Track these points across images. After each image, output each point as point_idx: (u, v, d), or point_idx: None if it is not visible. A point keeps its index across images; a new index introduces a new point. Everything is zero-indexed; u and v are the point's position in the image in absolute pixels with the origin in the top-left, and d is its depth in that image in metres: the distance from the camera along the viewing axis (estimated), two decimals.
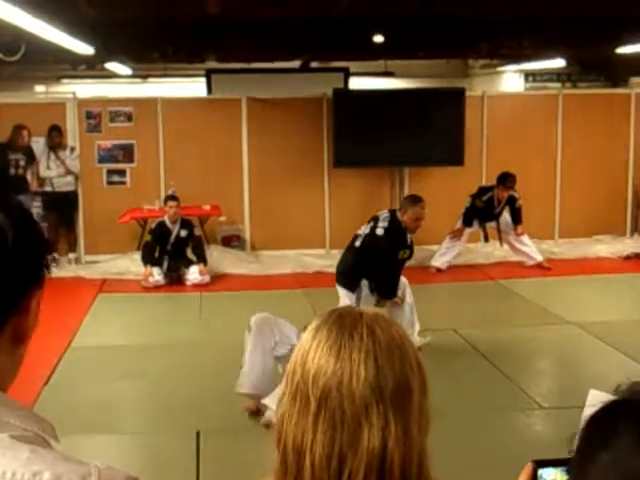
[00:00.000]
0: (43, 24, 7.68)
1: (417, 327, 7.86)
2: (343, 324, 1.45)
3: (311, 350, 1.44)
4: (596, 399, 2.11)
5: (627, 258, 11.92)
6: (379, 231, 7.51)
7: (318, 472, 1.39)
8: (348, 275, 7.63)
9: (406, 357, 1.44)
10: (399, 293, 7.72)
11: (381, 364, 1.40)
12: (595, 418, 1.16)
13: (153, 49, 11.81)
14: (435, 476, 1.50)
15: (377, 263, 7.44)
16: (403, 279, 7.85)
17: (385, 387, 1.39)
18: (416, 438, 1.42)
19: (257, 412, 6.05)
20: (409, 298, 7.85)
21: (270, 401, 5.67)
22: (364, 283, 7.51)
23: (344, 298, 7.51)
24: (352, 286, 7.54)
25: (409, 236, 7.62)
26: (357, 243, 7.62)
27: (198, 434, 5.81)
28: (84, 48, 10.03)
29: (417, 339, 7.63)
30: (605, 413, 1.15)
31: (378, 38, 10.62)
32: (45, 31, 8.11)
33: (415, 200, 7.69)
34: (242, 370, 6.13)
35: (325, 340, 1.43)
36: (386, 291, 7.61)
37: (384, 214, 7.68)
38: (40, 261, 1.31)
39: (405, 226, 7.53)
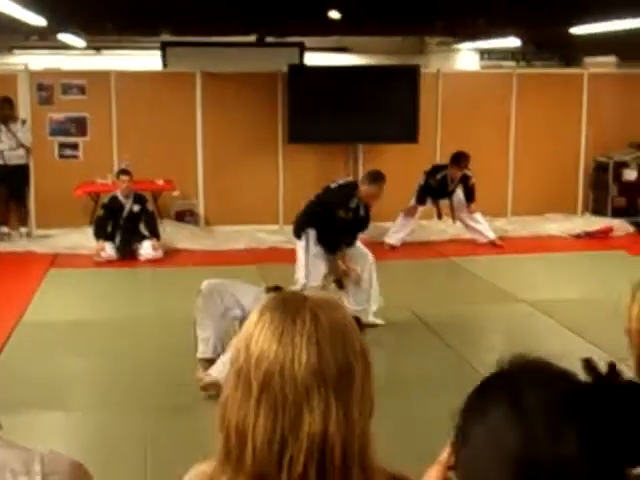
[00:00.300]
0: None
1: (374, 307, 7.94)
2: (287, 308, 1.45)
3: (254, 334, 1.44)
4: None
5: (578, 237, 12.05)
6: (332, 185, 8.05)
7: (259, 456, 1.39)
8: (296, 222, 8.01)
9: (349, 342, 1.45)
10: (357, 267, 7.85)
11: (323, 349, 1.41)
12: (473, 393, 1.16)
13: (106, 21, 11.65)
14: (378, 460, 1.52)
15: (320, 213, 7.76)
16: (368, 255, 8.06)
17: (327, 372, 1.40)
18: (358, 422, 1.43)
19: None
20: (368, 274, 7.94)
21: (213, 371, 5.72)
22: (311, 230, 7.75)
23: (298, 248, 7.86)
24: (298, 233, 7.87)
25: (361, 206, 7.79)
26: (316, 194, 8.02)
27: (146, 411, 5.81)
28: (36, 19, 9.88)
29: (371, 318, 7.74)
30: (481, 388, 1.15)
31: (334, 14, 10.57)
32: None
33: (376, 178, 7.91)
34: (198, 337, 6.18)
35: (268, 324, 1.44)
36: (327, 245, 7.77)
37: (349, 178, 8.04)
38: None
39: (359, 196, 7.74)
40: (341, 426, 1.39)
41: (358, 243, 8.10)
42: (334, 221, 7.70)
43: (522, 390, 1.07)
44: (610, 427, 1.02)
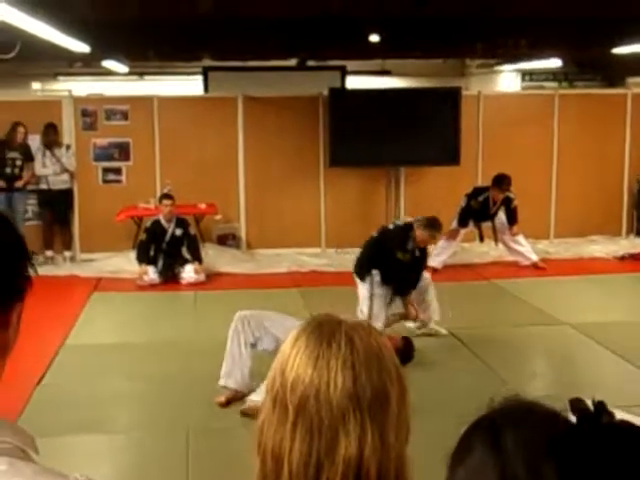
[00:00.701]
0: (38, 23, 7.67)
1: (436, 316, 8.24)
2: (322, 332, 1.45)
3: (290, 358, 1.44)
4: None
5: (622, 259, 11.91)
6: (390, 225, 8.34)
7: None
8: (359, 263, 8.07)
9: (384, 366, 1.44)
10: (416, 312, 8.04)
11: (359, 372, 1.40)
12: (463, 433, 1.15)
13: (148, 48, 11.79)
14: None
15: (383, 254, 7.82)
16: (425, 273, 8.21)
17: (362, 396, 1.39)
18: (393, 447, 1.42)
19: (227, 404, 6.24)
20: (427, 290, 8.21)
21: (256, 396, 5.75)
22: (375, 272, 7.80)
23: (360, 287, 7.93)
24: (361, 274, 7.92)
25: (414, 246, 7.86)
26: (374, 234, 8.12)
27: (188, 433, 5.83)
28: (80, 46, 10.02)
29: (434, 326, 8.23)
30: (468, 429, 1.14)
31: (374, 37, 10.61)
32: (40, 30, 8.10)
33: (432, 225, 7.92)
34: (224, 364, 6.24)
35: (304, 348, 1.44)
36: (394, 287, 7.86)
37: (407, 219, 8.54)
38: (20, 273, 1.28)
39: (413, 237, 7.82)
40: (377, 450, 1.39)
41: None
42: (393, 262, 7.76)
43: (503, 431, 1.06)
44: (591, 468, 1.00)
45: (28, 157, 11.45)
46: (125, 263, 11.15)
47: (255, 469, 1.47)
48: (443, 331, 8.21)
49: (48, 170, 11.50)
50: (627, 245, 12.39)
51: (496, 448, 1.05)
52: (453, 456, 1.13)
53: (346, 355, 1.42)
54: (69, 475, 1.21)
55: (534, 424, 1.06)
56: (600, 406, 1.07)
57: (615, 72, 15.28)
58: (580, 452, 1.01)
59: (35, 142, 11.53)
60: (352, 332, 1.45)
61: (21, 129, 11.33)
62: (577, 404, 1.08)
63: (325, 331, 1.45)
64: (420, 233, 7.83)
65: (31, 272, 1.29)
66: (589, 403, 1.08)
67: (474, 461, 1.07)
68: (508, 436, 1.05)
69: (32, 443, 1.30)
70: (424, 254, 8.10)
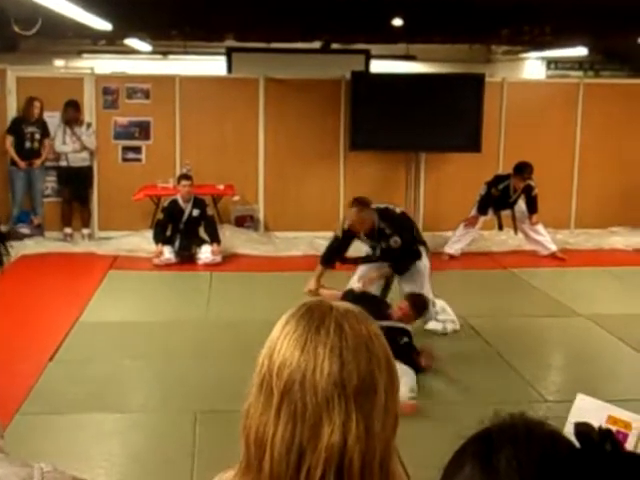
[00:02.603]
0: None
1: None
2: (312, 318, 1.44)
3: (278, 342, 1.43)
4: (582, 403, 2.07)
5: None
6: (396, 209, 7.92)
7: (277, 466, 1.38)
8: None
9: (373, 354, 1.42)
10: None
11: (346, 360, 1.38)
12: (458, 448, 1.11)
13: (171, 27, 11.78)
14: (400, 473, 1.48)
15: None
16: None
17: (348, 383, 1.37)
18: (379, 436, 1.39)
19: None
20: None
21: None
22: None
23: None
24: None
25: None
26: None
27: (196, 414, 5.84)
28: (101, 24, 10.02)
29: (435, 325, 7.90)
30: (464, 443, 1.10)
31: (397, 21, 10.54)
32: (60, 6, 8.09)
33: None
34: None
35: (292, 332, 1.42)
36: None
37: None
38: None
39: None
40: (361, 439, 1.37)
41: None
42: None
43: (498, 449, 1.02)
44: None
45: (45, 132, 11.48)
46: (142, 242, 11.16)
47: (241, 453, 1.45)
48: (440, 328, 7.89)
49: (68, 147, 11.52)
50: None
51: (488, 467, 1.01)
52: (445, 470, 1.10)
53: (334, 341, 1.40)
54: (34, 465, 1.19)
55: (532, 445, 1.02)
56: (605, 433, 1.03)
57: None
58: (577, 478, 0.97)
59: (55, 119, 11.54)
60: (342, 319, 1.43)
61: (37, 103, 11.35)
62: (582, 428, 1.04)
63: (315, 316, 1.44)
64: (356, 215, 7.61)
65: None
66: (595, 428, 1.04)
67: (463, 477, 1.04)
68: (502, 455, 1.01)
69: None
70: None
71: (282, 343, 1.41)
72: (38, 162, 11.43)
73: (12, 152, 11.35)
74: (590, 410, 1.94)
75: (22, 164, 11.31)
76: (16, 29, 9.40)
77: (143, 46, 15.22)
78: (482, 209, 11.23)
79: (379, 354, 1.43)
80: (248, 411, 1.43)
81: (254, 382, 1.45)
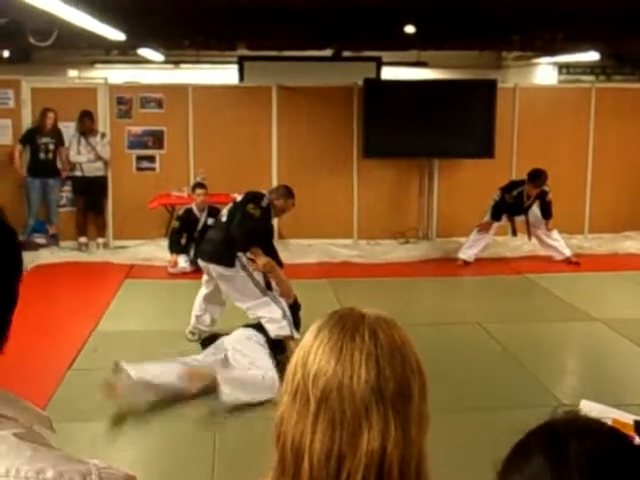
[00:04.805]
0: (74, 10, 7.71)
1: None
2: (345, 325, 1.45)
3: (312, 351, 1.44)
4: (587, 409, 2.09)
5: None
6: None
7: (316, 473, 1.39)
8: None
9: (407, 360, 1.44)
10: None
11: (382, 366, 1.40)
12: (517, 442, 1.13)
13: (183, 37, 11.83)
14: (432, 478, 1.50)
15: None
16: None
17: (386, 389, 1.39)
18: (415, 441, 1.42)
19: None
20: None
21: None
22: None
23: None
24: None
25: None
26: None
27: (215, 421, 5.86)
28: (115, 34, 10.08)
29: None
30: (526, 437, 1.12)
31: (409, 28, 10.56)
32: (76, 17, 8.15)
33: (290, 194, 8.21)
34: None
35: (327, 341, 1.43)
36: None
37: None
38: (14, 284, 1.29)
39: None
40: (399, 444, 1.38)
41: None
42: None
43: (564, 442, 1.04)
44: None
45: (60, 142, 11.56)
46: (157, 251, 11.21)
47: (273, 462, 1.47)
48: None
49: (82, 157, 11.58)
50: None
51: (556, 458, 1.04)
52: (507, 462, 1.12)
53: (370, 348, 1.42)
54: (89, 462, 1.22)
55: (595, 439, 1.05)
56: None
57: None
58: None
59: (70, 129, 11.61)
60: (375, 325, 1.45)
61: (51, 114, 11.43)
62: None
63: (348, 324, 1.45)
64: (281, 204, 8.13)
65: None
66: None
67: (532, 468, 1.06)
68: (569, 448, 1.03)
69: (49, 423, 1.32)
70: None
71: (316, 351, 1.43)
72: (64, 174, 11.58)
73: (17, 162, 11.44)
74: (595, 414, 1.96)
75: (20, 172, 11.43)
76: (32, 40, 9.46)
77: (156, 56, 15.29)
78: (496, 215, 11.23)
79: (411, 359, 1.45)
80: (282, 419, 1.44)
81: (286, 390, 1.46)
